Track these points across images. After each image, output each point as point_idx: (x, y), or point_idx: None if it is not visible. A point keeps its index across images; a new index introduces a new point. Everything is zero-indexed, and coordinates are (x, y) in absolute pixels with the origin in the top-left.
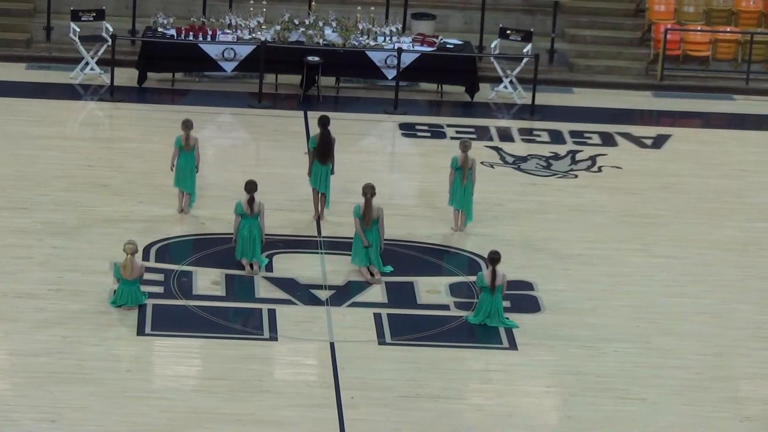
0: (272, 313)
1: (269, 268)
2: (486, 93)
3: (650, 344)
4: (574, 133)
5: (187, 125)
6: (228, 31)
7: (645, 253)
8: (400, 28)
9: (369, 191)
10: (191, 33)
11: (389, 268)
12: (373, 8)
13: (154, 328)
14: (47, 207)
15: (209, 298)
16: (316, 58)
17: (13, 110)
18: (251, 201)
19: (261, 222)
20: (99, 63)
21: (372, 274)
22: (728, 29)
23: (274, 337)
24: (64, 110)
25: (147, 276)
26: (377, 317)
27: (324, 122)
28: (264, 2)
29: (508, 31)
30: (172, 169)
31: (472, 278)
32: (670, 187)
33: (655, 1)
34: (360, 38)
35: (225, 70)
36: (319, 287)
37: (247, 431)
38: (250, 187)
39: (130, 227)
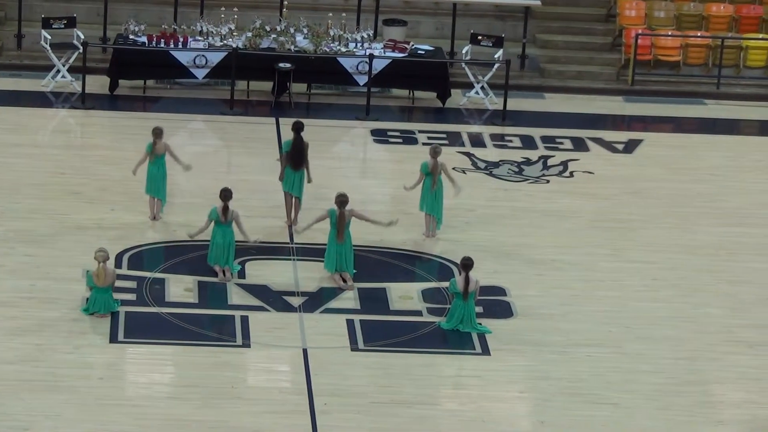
0: (245, 320)
1: (242, 274)
2: (457, 99)
3: (623, 349)
4: (545, 139)
5: (157, 133)
6: (199, 38)
7: (617, 258)
8: (371, 35)
9: (340, 204)
10: (162, 40)
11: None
12: (344, 14)
13: (126, 336)
14: (19, 215)
15: (182, 305)
16: (288, 65)
17: None
18: (225, 209)
19: (241, 228)
20: (70, 70)
21: (344, 280)
22: (699, 34)
23: (246, 344)
24: (35, 118)
25: (119, 283)
26: (350, 323)
27: (297, 128)
28: (235, 9)
29: (480, 37)
30: (134, 173)
31: (445, 284)
32: (642, 191)
33: (626, 7)
34: (331, 44)
35: (196, 77)
36: (292, 294)
37: None
38: (225, 194)
39: (103, 235)
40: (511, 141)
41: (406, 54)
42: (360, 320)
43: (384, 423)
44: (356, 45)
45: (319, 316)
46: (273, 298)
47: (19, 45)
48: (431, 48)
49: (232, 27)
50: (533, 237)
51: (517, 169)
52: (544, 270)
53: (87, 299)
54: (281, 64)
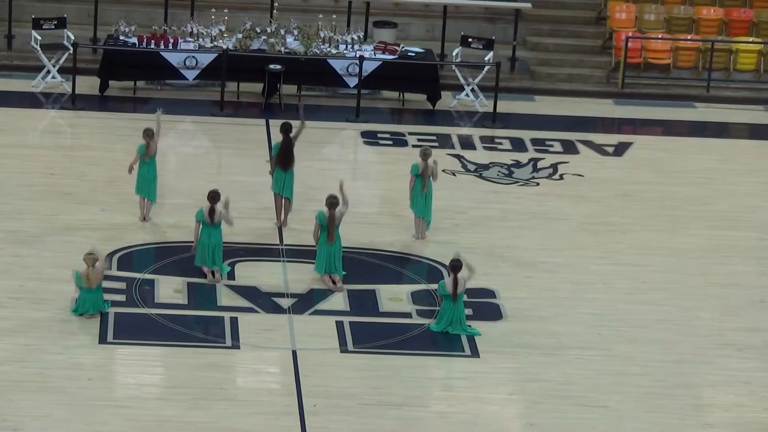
0: (234, 321)
1: (231, 276)
2: (448, 101)
3: (612, 351)
4: (535, 141)
5: (148, 134)
6: (190, 39)
7: (606, 260)
8: (361, 36)
9: (331, 205)
10: (153, 41)
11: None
12: (334, 16)
13: (116, 337)
14: (9, 215)
15: (171, 306)
16: (278, 66)
17: None
18: (212, 211)
19: (228, 218)
20: (60, 71)
21: (334, 282)
22: (689, 37)
23: (236, 345)
24: (25, 119)
25: (109, 284)
26: (339, 325)
27: (286, 129)
28: (226, 10)
29: (470, 39)
30: (130, 172)
31: (434, 286)
32: (632, 194)
33: (616, 9)
34: (322, 46)
35: (187, 79)
36: (281, 295)
37: None
38: (213, 196)
39: (92, 235)
40: (501, 143)
41: (396, 56)
42: (349, 322)
43: (373, 425)
44: (346, 47)
45: (309, 317)
46: (262, 300)
47: (9, 45)
48: (421, 50)
49: (223, 28)
50: (523, 239)
51: (507, 172)
52: (534, 272)
53: (76, 300)
54: (271, 66)
